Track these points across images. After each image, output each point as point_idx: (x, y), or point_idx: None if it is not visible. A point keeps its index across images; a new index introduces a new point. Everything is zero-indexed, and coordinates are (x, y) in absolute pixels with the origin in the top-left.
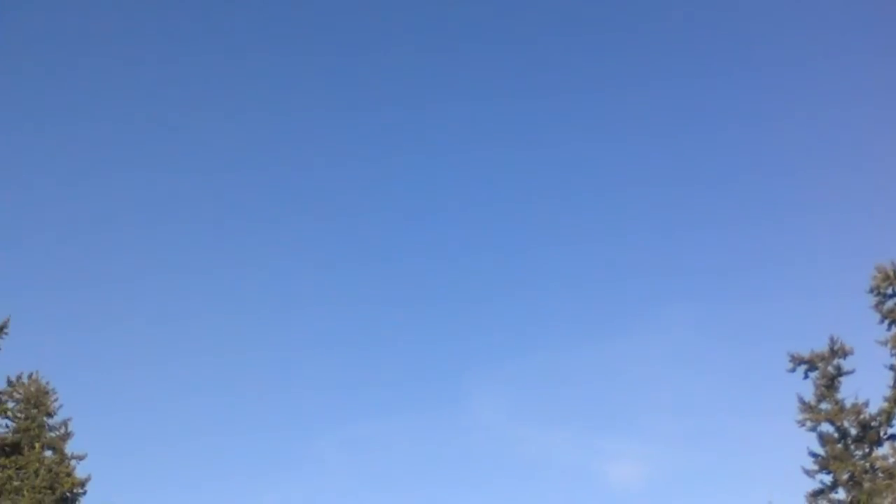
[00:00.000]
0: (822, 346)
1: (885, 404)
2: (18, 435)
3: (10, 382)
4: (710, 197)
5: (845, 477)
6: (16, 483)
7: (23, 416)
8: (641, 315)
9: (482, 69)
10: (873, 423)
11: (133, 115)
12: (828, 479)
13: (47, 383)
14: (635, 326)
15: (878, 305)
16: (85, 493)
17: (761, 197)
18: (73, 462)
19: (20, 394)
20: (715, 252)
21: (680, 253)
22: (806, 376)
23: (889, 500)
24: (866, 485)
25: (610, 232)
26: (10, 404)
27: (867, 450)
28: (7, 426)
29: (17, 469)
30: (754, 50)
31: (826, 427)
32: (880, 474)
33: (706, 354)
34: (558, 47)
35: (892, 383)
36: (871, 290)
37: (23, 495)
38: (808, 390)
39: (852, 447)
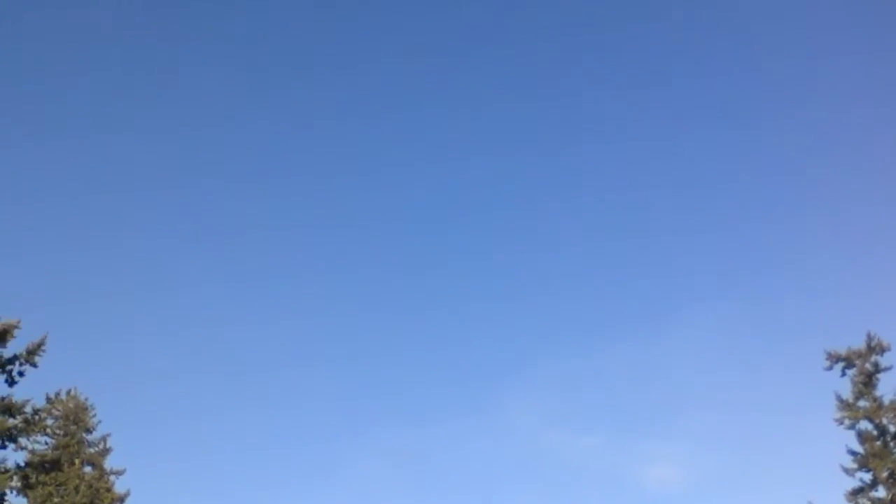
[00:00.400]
0: (860, 343)
1: None
2: (58, 451)
3: (48, 399)
4: (738, 196)
5: (885, 474)
6: (56, 500)
7: (62, 432)
8: (672, 316)
9: (493, 71)
10: None
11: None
12: (867, 477)
13: (86, 399)
14: (666, 327)
15: None
16: None
17: (794, 195)
18: (112, 477)
19: (59, 410)
20: (745, 250)
21: (709, 252)
22: (843, 374)
23: None
24: None
25: (638, 234)
26: (49, 421)
27: None
28: (46, 443)
29: (57, 486)
30: (767, 50)
31: (864, 424)
32: None
33: (740, 354)
34: (577, 46)
35: None
36: None
37: None
38: (846, 388)
39: (891, 444)
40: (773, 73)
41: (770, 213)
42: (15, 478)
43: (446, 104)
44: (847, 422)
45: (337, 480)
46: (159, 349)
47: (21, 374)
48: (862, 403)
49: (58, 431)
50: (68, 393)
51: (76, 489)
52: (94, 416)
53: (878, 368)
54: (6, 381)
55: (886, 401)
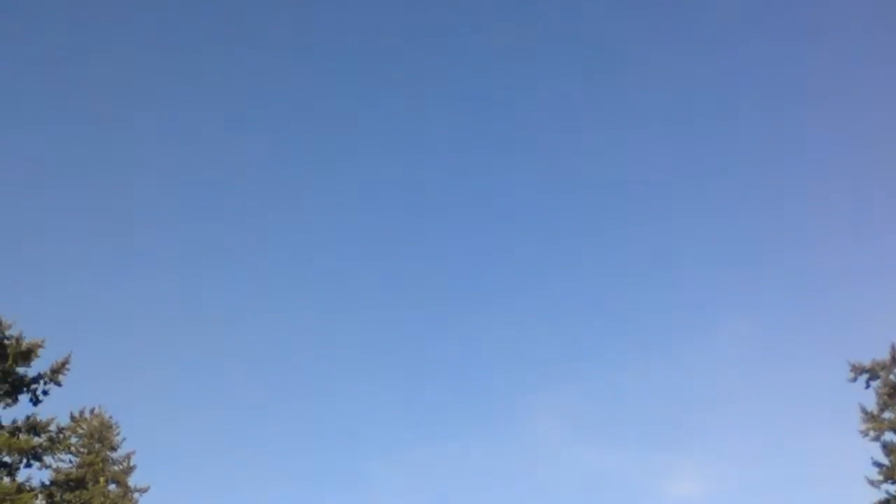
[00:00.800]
0: (884, 355)
1: None
2: (83, 469)
3: (73, 418)
4: (764, 212)
5: None
6: None
7: (86, 450)
8: (696, 331)
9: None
10: None
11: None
12: (893, 489)
13: (110, 417)
14: (691, 343)
15: None
16: None
17: (819, 210)
18: (136, 495)
19: (83, 429)
20: (769, 265)
21: (733, 267)
22: (867, 386)
23: None
24: None
25: (662, 250)
26: (74, 439)
27: None
28: (71, 461)
29: (81, 503)
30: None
31: (890, 436)
32: None
33: (763, 367)
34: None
35: None
36: None
37: None
38: (870, 400)
39: None
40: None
41: (794, 228)
42: (40, 496)
43: (469, 93)
44: (872, 434)
45: (361, 496)
46: (183, 367)
47: (45, 392)
48: (887, 415)
49: (82, 449)
50: (92, 411)
51: None
52: (118, 433)
53: None
54: (31, 399)
55: None
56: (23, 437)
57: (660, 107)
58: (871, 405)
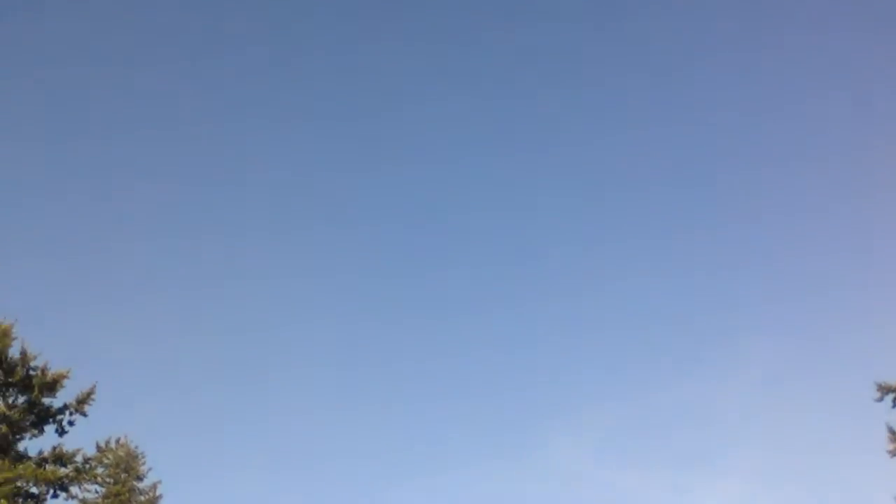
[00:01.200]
0: None
1: None
2: (109, 500)
3: (99, 448)
4: (785, 228)
5: None
6: None
7: (112, 480)
8: (719, 350)
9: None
10: None
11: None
12: None
13: (136, 447)
14: (713, 362)
15: None
16: None
17: (843, 224)
18: None
19: (109, 459)
20: (791, 282)
21: (755, 285)
22: (894, 405)
23: None
24: None
25: (682, 269)
26: (100, 469)
27: None
28: (97, 491)
29: None
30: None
31: None
32: None
33: (786, 387)
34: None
35: None
36: None
37: None
38: None
39: None
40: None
41: (817, 243)
42: None
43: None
44: None
45: None
46: (209, 395)
47: (71, 423)
48: None
49: (109, 480)
50: (118, 441)
51: None
52: (144, 463)
53: None
54: (56, 430)
55: None
56: (49, 467)
57: (677, 111)
58: None
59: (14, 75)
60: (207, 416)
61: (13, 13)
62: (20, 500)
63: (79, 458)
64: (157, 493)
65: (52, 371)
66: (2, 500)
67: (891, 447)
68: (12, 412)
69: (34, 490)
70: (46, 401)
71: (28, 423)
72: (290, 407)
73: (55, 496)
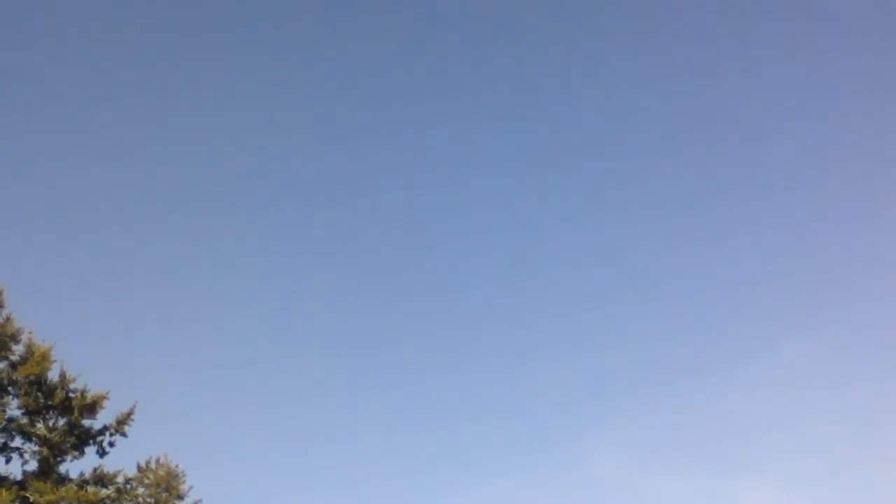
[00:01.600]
0: None
1: None
2: None
3: (139, 468)
4: (825, 230)
5: None
6: None
7: (153, 500)
8: (760, 354)
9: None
10: None
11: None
12: None
13: (177, 466)
14: (754, 366)
15: None
16: None
17: (883, 227)
18: None
19: (150, 479)
20: (831, 283)
21: (795, 288)
22: None
23: None
24: None
25: (720, 272)
26: (141, 490)
27: None
28: None
29: None
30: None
31: None
32: None
33: (828, 390)
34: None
35: None
36: None
37: None
38: None
39: None
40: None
41: (857, 246)
42: None
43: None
44: None
45: None
46: (249, 413)
47: (111, 444)
48: None
49: (149, 500)
50: (158, 460)
51: None
52: (185, 482)
53: None
54: (97, 451)
55: None
56: (91, 489)
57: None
58: None
59: None
60: (248, 433)
61: None
62: None
63: (120, 479)
64: None
65: (92, 393)
66: None
67: None
68: (53, 435)
69: None
70: (86, 422)
71: (69, 446)
72: (334, 431)
73: None
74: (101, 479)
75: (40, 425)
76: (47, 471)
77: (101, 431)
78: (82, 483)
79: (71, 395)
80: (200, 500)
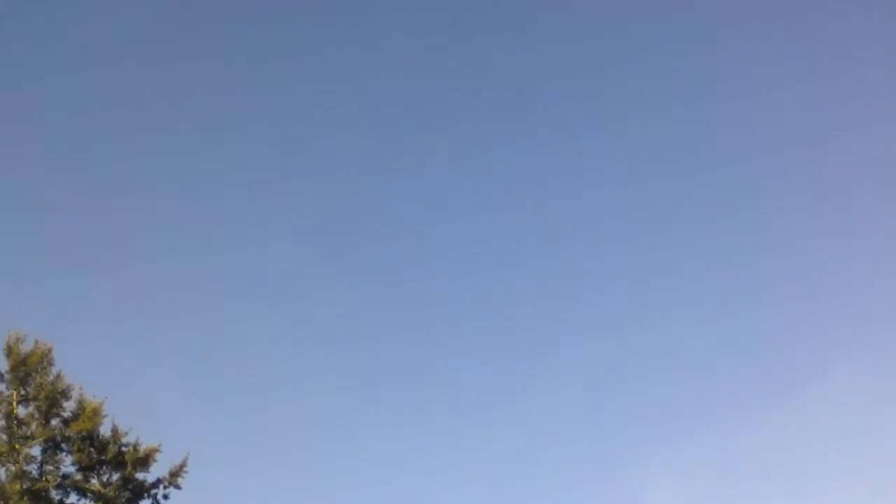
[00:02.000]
0: None
1: None
2: None
3: None
4: (873, 248)
5: None
6: None
7: None
8: (809, 379)
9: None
10: None
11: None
12: None
13: None
14: (804, 392)
15: None
16: None
17: None
18: None
19: None
20: (879, 305)
21: (842, 312)
22: None
23: None
24: None
25: (768, 298)
26: None
27: None
28: None
29: None
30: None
31: None
32: None
33: (882, 415)
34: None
35: None
36: None
37: None
38: None
39: None
40: None
41: None
42: None
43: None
44: None
45: None
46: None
47: (166, 496)
48: None
49: None
50: None
51: None
52: None
53: None
54: None
55: None
56: None
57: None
58: None
59: None
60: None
61: None
62: None
63: None
64: None
65: (144, 446)
66: None
67: None
68: (107, 490)
69: None
70: (140, 476)
71: (123, 500)
72: (382, 468)
73: None
74: None
75: (94, 481)
76: None
77: (155, 484)
78: None
79: (123, 449)
80: None
